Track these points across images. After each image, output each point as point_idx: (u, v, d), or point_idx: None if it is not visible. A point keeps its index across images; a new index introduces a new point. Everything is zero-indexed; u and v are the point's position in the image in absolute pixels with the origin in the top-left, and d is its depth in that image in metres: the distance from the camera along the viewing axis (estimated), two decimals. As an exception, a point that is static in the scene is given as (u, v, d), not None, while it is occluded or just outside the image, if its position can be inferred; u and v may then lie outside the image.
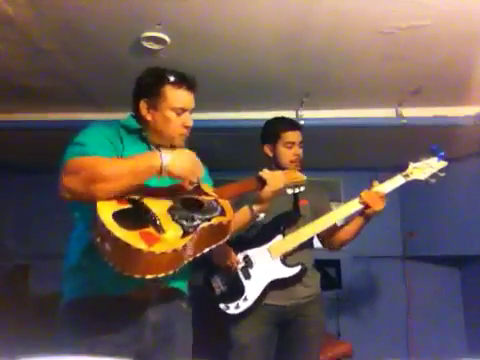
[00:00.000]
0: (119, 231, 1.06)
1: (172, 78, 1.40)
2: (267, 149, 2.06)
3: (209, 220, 1.25)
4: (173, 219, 1.19)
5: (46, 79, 2.23)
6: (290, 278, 1.89)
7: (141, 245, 1.05)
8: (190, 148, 1.32)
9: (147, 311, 1.29)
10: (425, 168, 1.91)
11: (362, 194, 1.89)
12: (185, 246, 1.15)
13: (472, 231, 2.97)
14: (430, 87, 2.31)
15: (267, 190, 1.56)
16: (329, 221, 1.92)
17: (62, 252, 1.33)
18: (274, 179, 1.57)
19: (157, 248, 1.08)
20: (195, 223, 1.21)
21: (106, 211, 1.10)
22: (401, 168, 1.94)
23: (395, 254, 3.45)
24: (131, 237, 1.06)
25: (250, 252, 1.93)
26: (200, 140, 2.78)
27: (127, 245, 1.04)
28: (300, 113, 2.58)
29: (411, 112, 2.55)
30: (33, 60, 2.04)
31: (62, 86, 2.31)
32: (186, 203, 1.27)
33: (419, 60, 2.04)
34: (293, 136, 2.01)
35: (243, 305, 1.84)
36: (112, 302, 1.22)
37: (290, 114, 2.44)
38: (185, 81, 1.41)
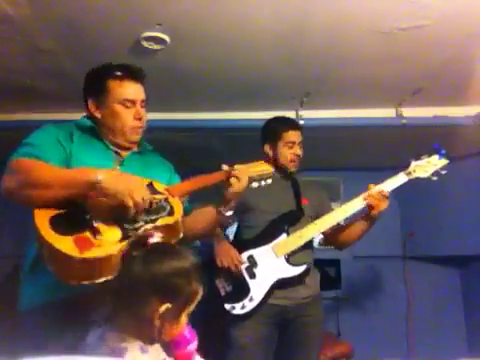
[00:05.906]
0: (52, 237, 1.03)
1: (114, 71, 1.34)
2: (267, 148, 2.06)
3: (154, 221, 1.19)
4: (115, 221, 1.14)
5: (46, 79, 2.23)
6: (295, 277, 1.89)
7: (72, 251, 1.01)
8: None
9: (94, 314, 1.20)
10: (427, 166, 1.92)
11: (366, 195, 1.87)
12: (122, 250, 1.08)
13: (472, 231, 2.96)
14: (430, 87, 2.30)
15: (234, 187, 1.37)
16: (332, 220, 1.93)
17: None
18: (241, 172, 1.38)
19: (90, 254, 1.03)
20: (137, 225, 1.15)
21: (43, 216, 1.08)
22: (401, 168, 1.94)
23: (395, 254, 3.44)
24: (63, 243, 1.03)
25: (254, 251, 1.93)
26: (200, 140, 2.80)
27: (58, 251, 1.01)
28: (300, 113, 2.58)
29: (411, 112, 2.55)
30: (33, 60, 2.03)
31: (62, 86, 2.30)
32: None
33: (419, 60, 2.04)
34: (294, 136, 2.02)
35: (249, 305, 1.84)
36: (59, 308, 1.16)
37: (290, 114, 2.43)
38: (128, 72, 1.35)
